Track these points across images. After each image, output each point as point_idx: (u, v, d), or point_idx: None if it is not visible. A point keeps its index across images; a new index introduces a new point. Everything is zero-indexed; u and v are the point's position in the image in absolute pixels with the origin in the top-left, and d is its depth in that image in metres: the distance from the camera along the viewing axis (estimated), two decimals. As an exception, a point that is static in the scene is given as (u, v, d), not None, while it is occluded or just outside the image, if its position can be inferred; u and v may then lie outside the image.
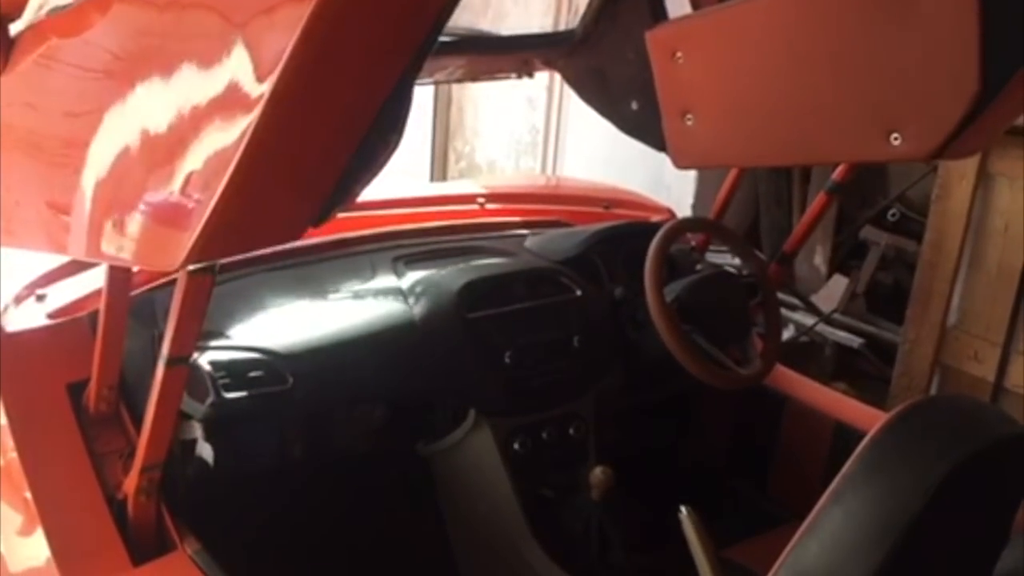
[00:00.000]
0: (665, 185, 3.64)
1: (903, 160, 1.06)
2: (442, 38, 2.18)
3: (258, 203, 0.97)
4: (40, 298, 1.77)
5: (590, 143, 4.19)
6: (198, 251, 0.96)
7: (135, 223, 1.05)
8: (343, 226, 2.20)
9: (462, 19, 4.96)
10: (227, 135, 0.90)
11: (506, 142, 4.86)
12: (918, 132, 1.02)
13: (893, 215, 3.35)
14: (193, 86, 0.98)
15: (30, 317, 1.74)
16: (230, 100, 0.92)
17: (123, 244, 1.10)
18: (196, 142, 0.95)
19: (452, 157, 5.24)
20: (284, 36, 0.85)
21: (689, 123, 1.45)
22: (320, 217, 1.03)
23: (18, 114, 1.33)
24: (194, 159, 0.96)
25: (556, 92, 4.44)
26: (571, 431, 1.91)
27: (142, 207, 1.04)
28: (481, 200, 2.54)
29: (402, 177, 5.18)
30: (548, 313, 1.95)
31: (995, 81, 0.97)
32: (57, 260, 1.85)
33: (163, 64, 1.04)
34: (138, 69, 1.08)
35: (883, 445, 0.94)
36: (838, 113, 1.14)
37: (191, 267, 1.16)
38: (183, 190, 0.97)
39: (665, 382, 2.00)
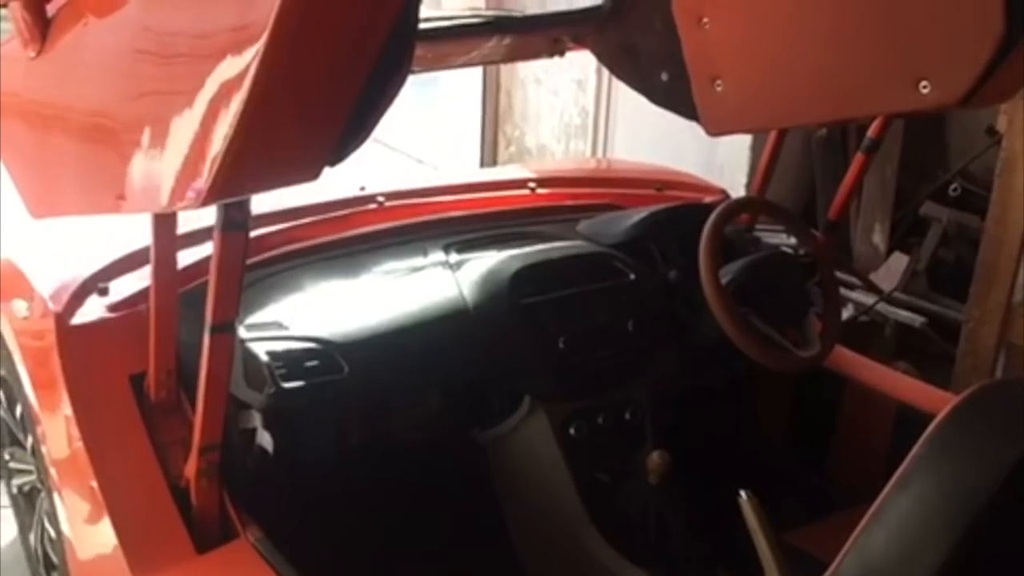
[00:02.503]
0: (718, 165, 3.59)
1: (934, 109, 1.07)
2: (470, 19, 2.19)
3: (271, 139, 1.01)
4: (102, 291, 1.80)
5: (641, 124, 4.14)
6: (218, 187, 1.00)
7: (159, 169, 1.11)
8: (395, 214, 2.21)
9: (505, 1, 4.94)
10: (235, 73, 0.94)
11: (556, 126, 4.83)
12: (946, 78, 1.01)
13: (955, 190, 3.26)
14: (201, 29, 1.04)
15: (92, 310, 1.78)
16: (235, 39, 0.95)
17: (150, 191, 1.16)
18: (208, 82, 0.99)
19: (502, 142, 5.22)
20: None
21: (719, 89, 1.45)
22: (337, 155, 1.06)
23: (54, 91, 1.39)
24: (207, 99, 1.00)
25: (605, 74, 4.39)
26: (627, 416, 1.90)
27: (164, 153, 1.09)
28: (532, 185, 2.53)
29: (453, 166, 5.22)
30: (602, 298, 1.94)
31: (1021, 22, 0.96)
32: (117, 253, 1.88)
33: (175, 9, 1.12)
34: (152, 27, 1.16)
35: (952, 430, 0.91)
36: (866, 65, 1.14)
37: (224, 223, 1.22)
38: (199, 131, 1.01)
39: (722, 365, 1.97)
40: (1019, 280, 2.63)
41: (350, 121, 1.04)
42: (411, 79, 2.12)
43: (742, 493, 1.37)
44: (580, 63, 4.37)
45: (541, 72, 4.81)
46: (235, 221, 1.24)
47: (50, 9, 1.38)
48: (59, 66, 1.38)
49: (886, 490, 0.92)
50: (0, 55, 1.59)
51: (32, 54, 1.39)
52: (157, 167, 1.14)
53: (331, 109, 1.03)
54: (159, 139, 1.14)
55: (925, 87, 1.04)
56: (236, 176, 1.02)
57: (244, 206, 1.24)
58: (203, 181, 1.01)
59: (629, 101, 4.29)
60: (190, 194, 1.05)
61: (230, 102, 0.96)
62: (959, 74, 1.00)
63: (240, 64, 0.94)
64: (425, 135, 5.62)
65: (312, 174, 1.07)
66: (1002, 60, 0.97)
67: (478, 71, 5.05)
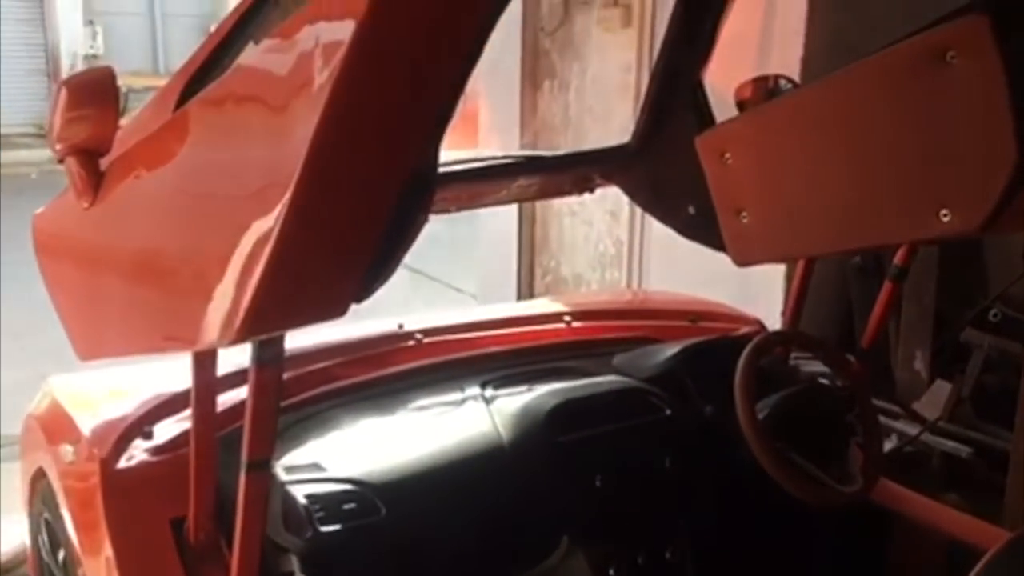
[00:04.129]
0: (752, 295, 3.60)
1: (955, 236, 1.08)
2: (503, 160, 2.30)
3: (299, 279, 1.07)
4: (146, 435, 1.84)
5: (675, 254, 4.19)
6: (249, 325, 1.06)
7: (196, 308, 1.17)
8: (433, 351, 2.25)
9: (542, 140, 5.10)
10: (266, 215, 1.01)
11: (591, 256, 4.90)
12: (965, 206, 1.04)
13: (995, 315, 3.23)
14: (237, 176, 1.12)
15: (136, 454, 1.81)
16: (266, 187, 1.03)
17: (188, 329, 1.23)
18: (241, 225, 1.06)
19: (538, 272, 5.30)
20: (311, 114, 0.95)
21: (745, 220, 1.49)
22: (363, 291, 1.11)
23: (104, 238, 1.48)
24: (239, 241, 1.06)
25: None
26: (667, 555, 1.87)
27: (201, 293, 1.15)
28: (567, 319, 2.56)
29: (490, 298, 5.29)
30: (638, 434, 1.94)
31: None
32: (161, 396, 1.93)
33: (213, 162, 1.20)
34: (194, 175, 1.24)
35: (1004, 568, 0.89)
36: (887, 195, 1.17)
37: (258, 359, 1.26)
38: (232, 271, 1.07)
39: (763, 503, 1.94)
40: (1065, 408, 2.58)
41: (373, 261, 1.10)
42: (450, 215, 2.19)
43: None
44: (613, 195, 4.47)
45: (576, 204, 4.91)
46: (268, 357, 1.28)
47: (103, 163, 1.47)
48: (109, 215, 1.46)
49: None
50: (56, 206, 1.69)
51: (85, 205, 1.47)
52: (194, 307, 1.20)
53: (355, 251, 1.09)
54: (196, 280, 1.21)
55: (946, 215, 1.06)
56: (266, 313, 1.07)
57: (277, 342, 1.28)
58: (236, 319, 1.07)
59: (662, 231, 4.36)
60: (224, 331, 1.11)
61: (261, 244, 1.02)
62: (977, 202, 1.02)
63: (269, 209, 1.01)
64: (464, 264, 5.74)
65: (339, 311, 1.12)
66: (1019, 187, 0.99)
67: (513, 205, 5.18)
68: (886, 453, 2.95)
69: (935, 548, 2.02)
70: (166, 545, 1.67)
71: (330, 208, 1.04)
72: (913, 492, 2.18)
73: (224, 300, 1.10)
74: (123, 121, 1.45)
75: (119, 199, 1.43)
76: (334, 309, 1.12)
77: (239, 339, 1.10)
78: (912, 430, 3.05)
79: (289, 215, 0.99)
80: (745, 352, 1.85)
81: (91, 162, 1.44)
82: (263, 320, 1.09)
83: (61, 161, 1.46)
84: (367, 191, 1.06)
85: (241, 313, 1.06)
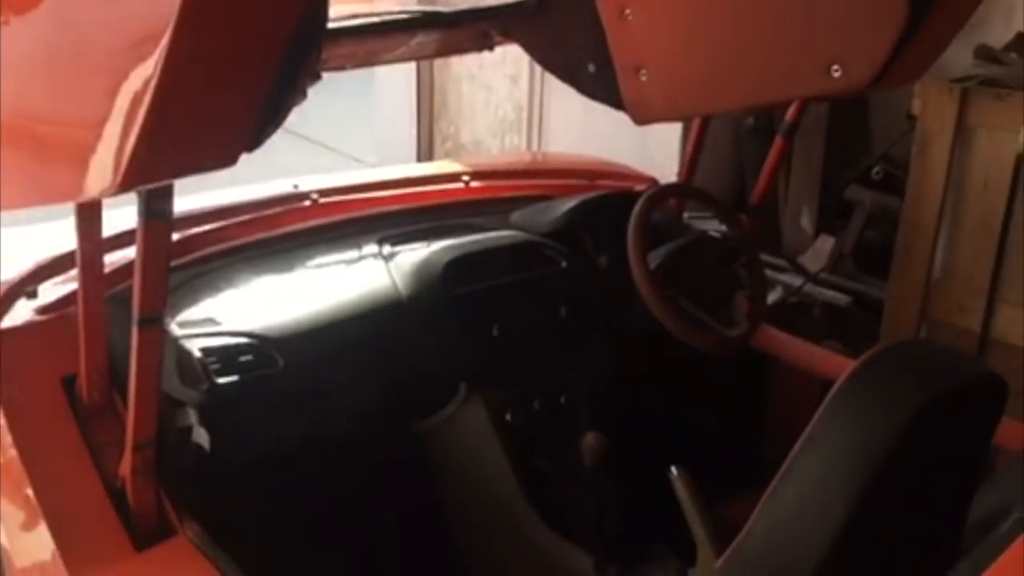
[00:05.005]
0: (650, 155, 3.65)
1: (845, 92, 1.10)
2: (399, 15, 2.21)
3: (184, 127, 1.04)
4: (30, 295, 1.78)
5: (574, 118, 4.19)
6: (134, 173, 1.02)
7: (79, 158, 1.13)
8: (329, 211, 2.22)
9: (440, -1, 4.95)
10: (145, 62, 0.97)
11: (491, 121, 4.86)
12: (855, 62, 1.05)
13: (877, 173, 3.36)
14: (112, 20, 1.07)
15: (21, 314, 1.76)
16: (144, 30, 0.99)
17: (71, 179, 1.19)
18: (120, 71, 1.02)
19: (438, 139, 5.24)
20: None
21: (644, 79, 1.50)
22: (253, 141, 1.09)
23: None
24: (120, 88, 1.02)
25: (537, 69, 4.43)
26: (562, 400, 1.94)
27: (83, 142, 1.11)
28: (465, 179, 2.55)
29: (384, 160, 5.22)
30: (534, 286, 1.97)
31: (922, 3, 1.00)
32: (47, 257, 1.87)
33: (88, 9, 1.14)
34: (66, 20, 1.17)
35: (852, 391, 0.96)
36: (780, 52, 1.18)
37: (145, 213, 1.23)
38: (114, 119, 1.03)
39: (654, 348, 2.02)
40: (937, 258, 2.73)
41: (263, 110, 1.08)
42: (344, 77, 2.14)
43: (673, 468, 1.42)
44: (513, 58, 4.41)
45: (475, 68, 4.83)
46: (157, 209, 1.24)
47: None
48: None
49: (793, 451, 0.97)
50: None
51: None
52: (74, 156, 1.16)
53: (243, 98, 1.06)
54: (76, 128, 1.17)
55: (836, 71, 1.07)
56: (151, 161, 1.04)
57: (166, 195, 1.24)
58: (119, 167, 1.04)
59: (562, 95, 4.34)
60: (108, 180, 1.07)
61: (140, 93, 0.99)
62: (867, 57, 1.03)
63: (149, 53, 0.97)
64: (362, 133, 5.62)
65: (230, 160, 1.10)
66: (907, 43, 1.00)
67: (411, 68, 5.06)
68: (771, 304, 3.09)
69: (810, 387, 2.14)
70: (59, 404, 1.64)
71: (213, 53, 1.00)
72: (793, 337, 2.29)
73: (105, 148, 1.07)
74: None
75: None
76: (223, 159, 1.10)
77: (123, 188, 1.07)
78: (796, 282, 3.19)
79: (169, 58, 0.95)
80: (638, 204, 1.89)
81: None
82: (146, 168, 1.06)
83: None
84: (251, 40, 1.02)
85: (123, 161, 1.02)
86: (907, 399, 0.92)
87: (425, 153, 5.25)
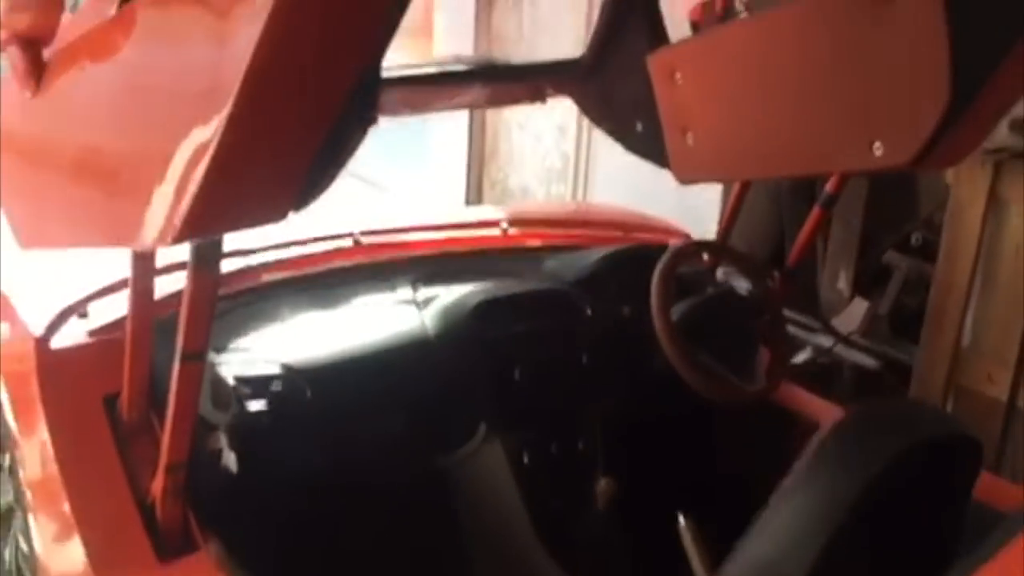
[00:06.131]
0: (691, 212, 3.70)
1: (885, 170, 1.11)
2: (457, 67, 2.30)
3: (239, 183, 1.09)
4: (83, 315, 1.89)
5: (619, 171, 4.27)
6: (185, 228, 1.08)
7: (136, 207, 1.19)
8: (371, 251, 2.31)
9: (496, 52, 5.09)
10: (207, 119, 1.02)
11: (538, 169, 4.96)
12: (897, 141, 1.06)
13: (917, 240, 3.37)
14: (181, 75, 1.13)
15: (72, 334, 1.86)
16: (209, 89, 1.04)
17: (128, 228, 1.25)
18: (182, 127, 1.08)
19: (487, 184, 5.35)
20: (256, 18, 0.96)
21: (689, 141, 1.54)
22: (301, 201, 1.14)
23: (48, 129, 1.50)
24: (180, 144, 1.08)
25: (585, 121, 4.52)
26: (580, 446, 1.99)
27: (141, 193, 1.17)
28: (504, 226, 2.63)
29: (433, 203, 5.33)
30: (558, 332, 2.03)
31: (967, 88, 1.01)
32: (100, 282, 1.98)
33: (156, 63, 1.21)
34: (138, 71, 1.25)
35: (828, 444, 1.00)
36: (824, 124, 1.20)
37: (195, 261, 1.30)
38: (172, 174, 1.09)
39: (672, 399, 2.06)
40: (967, 324, 2.73)
41: (313, 169, 1.12)
42: (400, 123, 2.22)
43: (681, 518, 1.46)
44: (562, 109, 4.51)
45: (524, 117, 4.95)
46: (206, 259, 1.32)
47: (46, 54, 1.49)
48: (53, 105, 1.47)
49: (771, 499, 1.01)
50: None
51: (28, 95, 1.49)
52: (133, 206, 1.22)
53: (295, 158, 1.11)
54: (136, 179, 1.23)
55: (878, 149, 1.08)
56: (204, 217, 1.10)
57: (215, 245, 1.32)
58: (174, 221, 1.09)
59: (608, 148, 4.40)
60: (161, 233, 1.13)
61: (201, 148, 1.04)
62: (909, 137, 1.04)
63: (211, 113, 1.03)
64: (415, 178, 5.76)
65: (277, 218, 1.15)
66: (950, 125, 1.01)
67: (464, 114, 5.20)
68: (800, 363, 3.11)
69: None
70: (99, 421, 1.73)
71: (270, 114, 1.06)
72: (816, 396, 2.31)
73: (163, 202, 1.13)
74: (67, 14, 1.46)
75: (62, 91, 1.44)
76: (272, 215, 1.15)
77: (175, 241, 1.13)
78: (829, 343, 3.20)
79: (230, 120, 1.00)
80: (664, 256, 1.95)
81: (33, 51, 1.45)
82: (200, 223, 1.11)
83: (3, 50, 1.47)
84: (309, 98, 1.07)
85: (179, 216, 1.08)
86: (874, 457, 0.96)
87: (474, 197, 5.37)
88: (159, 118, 1.20)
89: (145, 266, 1.59)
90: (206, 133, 1.03)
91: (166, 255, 1.65)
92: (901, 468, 0.95)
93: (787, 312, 3.39)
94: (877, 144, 1.08)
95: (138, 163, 1.24)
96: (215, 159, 1.02)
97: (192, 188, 1.05)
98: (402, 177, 5.77)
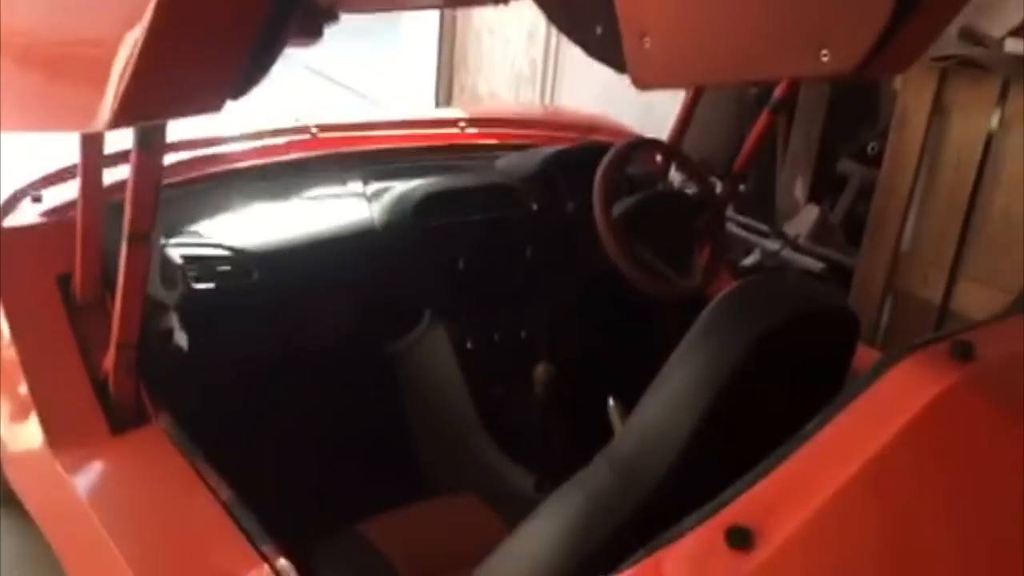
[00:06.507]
0: (655, 118, 3.73)
1: (833, 76, 1.12)
2: None
3: (169, 72, 1.11)
4: (36, 199, 1.93)
5: (585, 75, 4.27)
6: (124, 113, 1.11)
7: (76, 93, 1.23)
8: (326, 145, 2.34)
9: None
10: (138, 6, 1.04)
11: (508, 74, 4.96)
12: (844, 47, 1.06)
13: (872, 149, 3.42)
14: None
15: (26, 215, 1.91)
16: None
17: (70, 112, 1.29)
18: (115, 15, 1.10)
19: (456, 89, 5.34)
20: None
21: (647, 45, 1.56)
22: (239, 90, 1.16)
23: None
24: (113, 28, 1.10)
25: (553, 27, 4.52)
26: (522, 335, 2.07)
27: (80, 78, 1.21)
28: (462, 124, 2.66)
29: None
30: (503, 225, 2.10)
31: None
32: (53, 166, 2.02)
33: None
34: None
35: (713, 316, 1.08)
36: (775, 32, 1.21)
37: (138, 144, 1.33)
38: (107, 58, 1.11)
39: (613, 293, 2.14)
40: (907, 230, 2.81)
41: (250, 58, 1.14)
42: (371, 25, 2.21)
43: (611, 400, 1.55)
44: (531, 15, 4.49)
45: (495, 23, 4.92)
46: (148, 142, 1.37)
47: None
48: None
49: (663, 369, 1.10)
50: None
51: None
52: (75, 91, 1.26)
53: (230, 46, 1.13)
54: (75, 65, 1.26)
55: (825, 55, 1.07)
56: (139, 103, 1.13)
57: (158, 130, 1.37)
58: (111, 106, 1.12)
59: (576, 54, 4.41)
60: (100, 117, 1.16)
61: (133, 32, 1.06)
62: (855, 44, 1.04)
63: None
64: (385, 81, 5.74)
65: (215, 106, 1.18)
66: (895, 32, 1.01)
67: (435, 21, 5.17)
68: (749, 266, 3.19)
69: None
70: (54, 300, 1.79)
71: (200, 3, 1.07)
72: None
73: (99, 87, 1.14)
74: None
75: None
76: (210, 104, 1.17)
77: (113, 125, 1.16)
78: (778, 247, 3.28)
79: (159, 5, 1.02)
80: (608, 155, 2.00)
81: None
82: (136, 108, 1.14)
83: None
84: None
85: (115, 100, 1.11)
86: (751, 323, 1.04)
87: (444, 101, 5.36)
88: (94, 2, 1.22)
89: (94, 150, 1.63)
90: (137, 19, 1.05)
91: (118, 142, 1.70)
92: (776, 337, 1.03)
93: (741, 217, 3.48)
94: (824, 51, 1.09)
95: (76, 48, 1.26)
96: (146, 44, 1.04)
97: (127, 73, 1.08)
98: (374, 79, 5.76)
